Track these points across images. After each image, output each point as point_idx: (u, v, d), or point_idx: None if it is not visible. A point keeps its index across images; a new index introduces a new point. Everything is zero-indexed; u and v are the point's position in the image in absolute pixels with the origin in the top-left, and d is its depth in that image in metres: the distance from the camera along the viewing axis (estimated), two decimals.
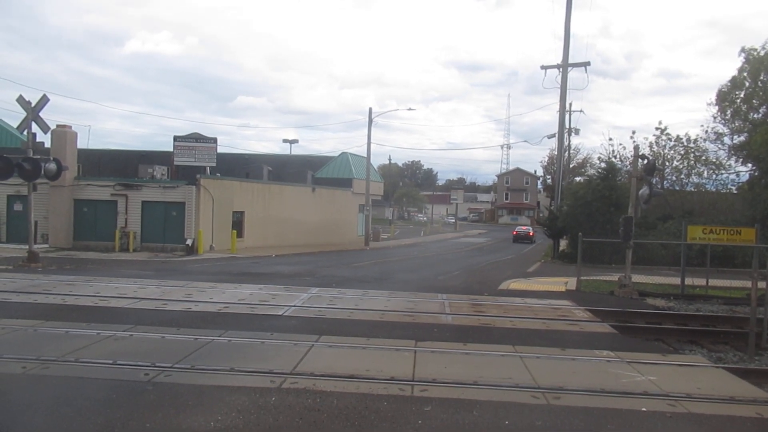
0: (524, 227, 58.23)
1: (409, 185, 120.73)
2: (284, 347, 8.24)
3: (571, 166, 59.86)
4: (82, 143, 36.02)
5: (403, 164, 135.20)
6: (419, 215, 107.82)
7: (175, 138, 32.01)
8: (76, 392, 6.06)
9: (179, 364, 7.14)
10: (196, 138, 32.60)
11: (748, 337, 9.86)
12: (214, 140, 32.46)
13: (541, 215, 39.58)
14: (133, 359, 7.28)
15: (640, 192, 16.09)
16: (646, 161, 16.28)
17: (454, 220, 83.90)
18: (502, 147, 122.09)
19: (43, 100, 19.71)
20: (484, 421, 5.61)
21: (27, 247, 19.90)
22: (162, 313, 10.85)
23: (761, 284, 11.28)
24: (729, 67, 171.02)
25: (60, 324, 9.27)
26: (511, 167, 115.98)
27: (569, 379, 7.15)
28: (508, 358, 8.13)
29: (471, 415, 5.73)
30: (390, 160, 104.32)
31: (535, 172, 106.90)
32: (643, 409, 6.16)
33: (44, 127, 20.00)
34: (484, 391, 6.51)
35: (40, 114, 19.71)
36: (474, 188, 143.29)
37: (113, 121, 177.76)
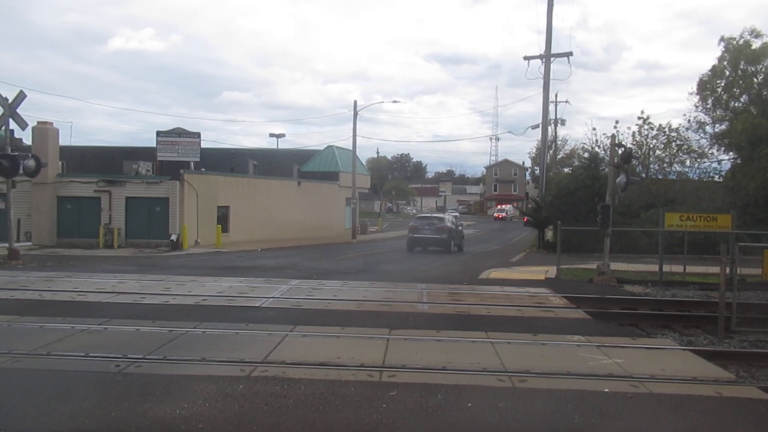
0: None
1: (398, 178, 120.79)
2: (258, 337, 8.30)
3: (558, 157, 60.14)
4: (65, 140, 35.87)
5: (392, 157, 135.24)
6: (408, 208, 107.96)
7: (158, 133, 31.93)
8: (45, 384, 6.09)
9: (151, 356, 7.18)
10: (179, 133, 32.51)
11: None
12: (198, 135, 32.40)
13: (529, 206, 39.91)
14: (105, 351, 7.31)
15: (618, 180, 16.27)
16: (623, 150, 16.44)
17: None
18: (490, 138, 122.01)
19: (20, 97, 19.55)
20: (447, 403, 5.71)
21: (7, 245, 19.78)
22: (139, 306, 10.86)
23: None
24: (706, 57, 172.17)
25: (35, 319, 9.25)
26: (500, 159, 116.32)
27: (537, 363, 7.26)
28: (479, 344, 8.23)
29: (435, 399, 5.82)
30: (378, 153, 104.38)
31: (523, 163, 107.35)
32: (606, 390, 6.29)
33: (22, 124, 19.84)
34: (451, 376, 6.61)
35: (18, 110, 19.55)
36: (463, 180, 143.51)
37: (98, 118, 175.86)
